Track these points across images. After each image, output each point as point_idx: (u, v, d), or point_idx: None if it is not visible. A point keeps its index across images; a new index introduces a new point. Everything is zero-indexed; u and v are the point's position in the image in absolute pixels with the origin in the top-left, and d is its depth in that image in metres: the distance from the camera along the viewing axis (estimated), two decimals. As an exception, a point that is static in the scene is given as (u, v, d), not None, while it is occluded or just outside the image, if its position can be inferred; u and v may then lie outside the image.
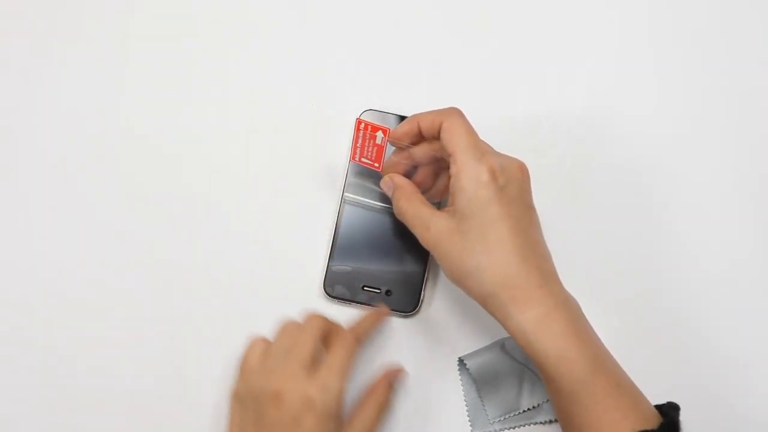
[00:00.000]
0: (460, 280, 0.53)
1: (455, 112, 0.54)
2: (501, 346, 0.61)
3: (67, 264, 0.63)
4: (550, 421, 0.60)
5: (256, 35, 0.66)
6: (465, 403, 0.61)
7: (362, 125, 0.57)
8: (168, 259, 0.63)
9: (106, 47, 0.66)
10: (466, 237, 0.52)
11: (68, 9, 0.67)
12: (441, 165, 0.58)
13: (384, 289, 0.61)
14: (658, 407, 0.53)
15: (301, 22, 0.66)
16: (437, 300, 0.62)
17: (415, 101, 0.65)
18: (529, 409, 0.60)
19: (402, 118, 0.62)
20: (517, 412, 0.60)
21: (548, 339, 0.50)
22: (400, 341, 0.62)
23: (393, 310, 0.61)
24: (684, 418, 0.53)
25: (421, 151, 0.57)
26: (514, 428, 0.61)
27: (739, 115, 0.65)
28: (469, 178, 0.52)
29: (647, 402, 0.53)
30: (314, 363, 0.54)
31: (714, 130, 0.65)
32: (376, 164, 0.58)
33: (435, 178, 0.59)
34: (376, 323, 0.60)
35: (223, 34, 0.66)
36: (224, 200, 0.64)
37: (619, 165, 0.64)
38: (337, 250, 0.62)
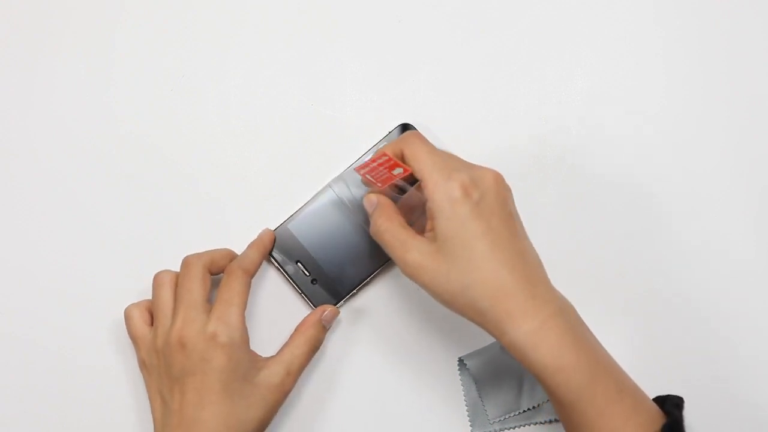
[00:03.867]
0: (451, 302, 0.52)
1: (412, 137, 0.54)
2: (501, 346, 0.61)
3: (65, 266, 0.63)
4: (550, 421, 0.60)
5: (255, 35, 0.66)
6: (465, 403, 0.61)
7: (385, 158, 0.54)
8: (166, 259, 0.63)
9: (104, 48, 0.66)
10: (451, 257, 0.51)
11: (61, 8, 0.66)
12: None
13: (312, 277, 0.62)
14: (661, 402, 0.53)
15: (301, 21, 0.66)
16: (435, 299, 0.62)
17: (415, 101, 0.65)
18: (529, 409, 0.60)
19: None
20: (517, 412, 0.60)
21: (545, 350, 0.50)
22: (400, 341, 0.62)
23: (308, 298, 0.61)
24: (687, 412, 0.53)
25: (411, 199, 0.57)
26: (514, 428, 0.61)
27: (742, 117, 0.65)
28: (442, 198, 0.51)
29: (649, 403, 0.52)
30: (206, 303, 0.56)
31: (717, 131, 0.65)
32: (379, 184, 0.56)
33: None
34: (263, 252, 0.60)
35: (222, 33, 0.66)
36: (224, 201, 0.64)
37: (620, 166, 0.64)
38: (297, 219, 0.62)
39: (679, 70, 0.65)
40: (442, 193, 0.51)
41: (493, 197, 0.52)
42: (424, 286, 0.52)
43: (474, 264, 0.50)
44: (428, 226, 0.53)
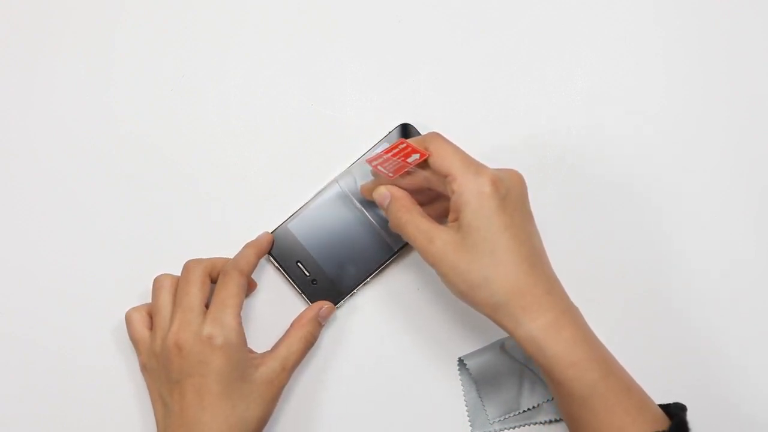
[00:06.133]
0: (468, 293, 0.52)
1: (438, 136, 0.55)
2: (501, 346, 0.61)
3: (65, 266, 0.63)
4: (550, 421, 0.60)
5: (255, 35, 0.66)
6: (465, 403, 0.61)
7: (403, 145, 0.54)
8: (166, 260, 0.63)
9: (104, 48, 0.66)
10: (474, 249, 0.52)
11: (61, 8, 0.66)
12: (430, 194, 0.58)
13: (312, 277, 0.62)
14: (665, 408, 0.53)
15: (301, 21, 0.66)
16: (435, 299, 0.62)
17: (415, 101, 0.65)
18: (529, 409, 0.60)
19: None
20: (517, 412, 0.60)
21: (559, 345, 0.51)
22: (400, 341, 0.62)
23: (308, 298, 0.61)
24: (688, 411, 0.53)
25: (416, 179, 0.57)
26: (514, 428, 0.61)
27: (742, 117, 0.65)
28: (472, 191, 0.52)
29: (654, 404, 0.53)
30: (203, 307, 0.57)
31: (717, 131, 0.65)
32: (391, 174, 0.57)
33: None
34: (258, 253, 0.60)
35: (222, 33, 0.66)
36: (224, 201, 0.64)
37: (620, 166, 0.64)
38: (297, 219, 0.62)
39: (679, 70, 0.65)
40: (472, 186, 0.52)
41: (517, 194, 0.53)
42: (443, 275, 0.53)
43: (496, 258, 0.51)
44: (451, 218, 0.54)
